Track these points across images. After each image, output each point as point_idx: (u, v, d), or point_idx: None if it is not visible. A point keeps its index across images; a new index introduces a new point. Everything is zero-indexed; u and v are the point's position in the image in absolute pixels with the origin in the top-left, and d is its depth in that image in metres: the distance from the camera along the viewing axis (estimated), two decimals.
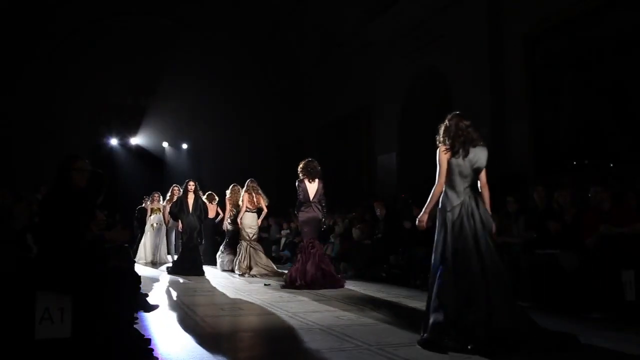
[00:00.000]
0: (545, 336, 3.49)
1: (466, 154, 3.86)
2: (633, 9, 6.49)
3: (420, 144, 10.41)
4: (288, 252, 11.67)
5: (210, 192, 11.27)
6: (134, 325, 3.62)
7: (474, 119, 8.85)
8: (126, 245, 5.14)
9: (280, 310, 5.11)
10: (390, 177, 11.06)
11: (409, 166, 10.60)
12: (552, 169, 7.51)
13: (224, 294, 6.46)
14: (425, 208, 3.98)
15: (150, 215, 11.81)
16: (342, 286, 7.00)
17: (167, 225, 11.26)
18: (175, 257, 10.65)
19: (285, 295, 6.26)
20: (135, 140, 16.56)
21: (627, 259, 4.81)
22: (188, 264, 8.80)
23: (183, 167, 15.79)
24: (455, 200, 3.85)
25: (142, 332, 3.65)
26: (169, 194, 10.72)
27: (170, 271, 8.94)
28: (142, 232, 12.05)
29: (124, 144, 16.64)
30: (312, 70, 15.04)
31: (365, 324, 4.44)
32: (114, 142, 16.54)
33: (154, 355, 3.28)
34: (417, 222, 3.93)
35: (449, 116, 4.07)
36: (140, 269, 8.96)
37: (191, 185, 9.31)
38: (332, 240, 9.55)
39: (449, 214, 3.83)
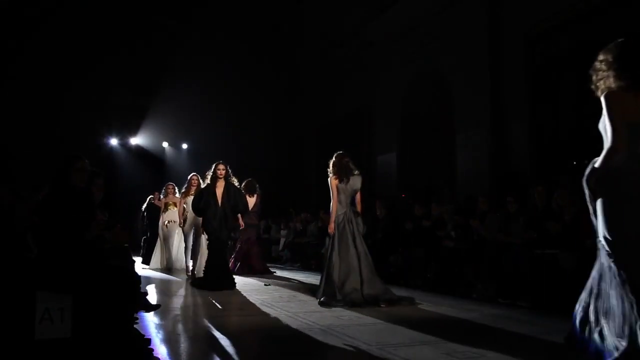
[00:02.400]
0: (394, 297, 5.47)
1: (347, 181, 5.83)
2: (633, 9, 6.49)
3: (420, 144, 10.44)
4: (288, 252, 11.67)
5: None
6: (134, 325, 3.62)
7: (474, 119, 8.92)
8: (126, 245, 5.14)
9: (280, 310, 5.11)
10: (390, 177, 11.06)
11: (409, 166, 10.61)
12: (552, 169, 7.52)
13: (224, 294, 6.45)
14: (330, 218, 5.86)
15: (164, 212, 9.88)
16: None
17: (182, 227, 8.75)
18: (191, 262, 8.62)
19: (285, 295, 6.26)
20: (135, 140, 16.56)
21: None
22: (213, 276, 6.85)
23: (183, 167, 15.79)
24: (341, 211, 5.80)
25: (142, 332, 3.65)
26: (185, 186, 8.66)
27: (194, 283, 7.32)
28: (152, 232, 10.48)
29: (124, 144, 16.63)
30: (312, 70, 15.04)
31: (365, 324, 4.44)
32: (114, 142, 16.54)
33: (154, 355, 3.27)
34: (328, 229, 5.65)
35: (336, 155, 6.00)
36: (143, 270, 8.90)
37: (221, 170, 7.10)
38: None
39: (336, 220, 5.77)
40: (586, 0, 7.07)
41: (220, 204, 6.97)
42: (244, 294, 6.37)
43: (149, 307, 4.89)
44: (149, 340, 3.41)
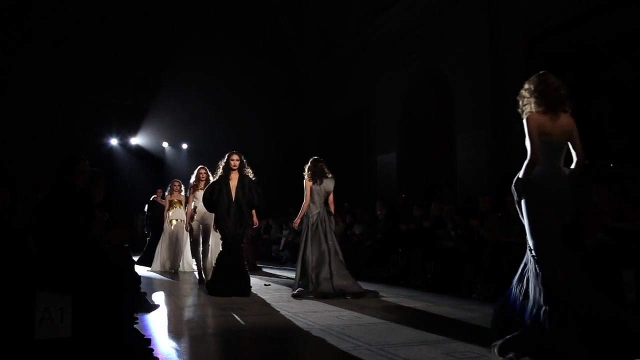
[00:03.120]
0: (360, 290, 6.04)
1: (321, 183, 6.39)
2: (633, 9, 6.50)
3: (420, 144, 10.44)
4: (288, 252, 11.67)
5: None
6: (134, 325, 3.62)
7: (474, 119, 8.92)
8: (126, 245, 5.15)
9: (280, 310, 5.11)
10: (390, 177, 11.06)
11: (409, 166, 10.61)
12: None
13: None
14: (299, 215, 6.43)
15: (169, 210, 9.26)
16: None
17: (187, 229, 8.03)
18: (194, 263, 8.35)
19: (285, 295, 6.25)
20: (135, 140, 16.57)
21: (627, 259, 4.81)
22: (225, 280, 6.09)
23: (183, 167, 15.80)
24: (315, 211, 6.35)
25: (142, 332, 3.65)
26: (192, 179, 7.73)
27: (209, 289, 6.33)
28: (156, 233, 9.82)
29: (124, 144, 16.64)
30: (312, 70, 15.05)
31: (365, 324, 4.44)
32: (114, 142, 16.54)
33: (154, 355, 3.27)
34: (293, 223, 6.04)
35: (311, 159, 6.50)
36: (143, 270, 8.87)
37: (235, 160, 6.39)
38: None
39: (310, 219, 6.32)
40: (586, 0, 7.06)
41: (234, 198, 6.29)
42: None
43: (149, 307, 4.90)
44: (149, 340, 3.41)
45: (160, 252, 9.29)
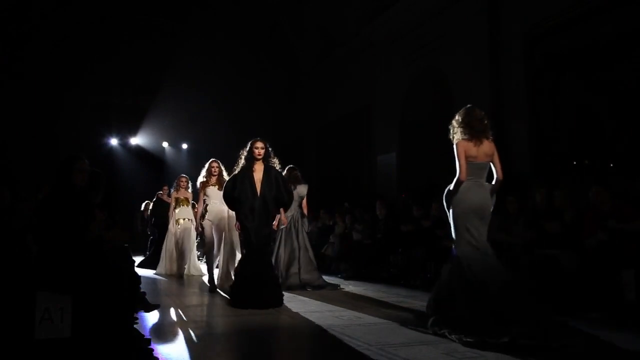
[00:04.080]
0: (322, 283, 6.83)
1: (295, 188, 6.83)
2: (633, 9, 6.49)
3: (420, 144, 10.42)
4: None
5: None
6: (134, 325, 3.62)
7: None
8: (126, 245, 5.15)
9: (281, 310, 5.11)
10: (390, 177, 11.06)
11: (409, 166, 10.60)
12: (552, 169, 7.52)
13: (224, 294, 6.45)
14: (276, 217, 6.32)
15: (175, 209, 8.63)
16: None
17: (198, 230, 7.48)
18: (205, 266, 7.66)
19: (286, 295, 6.25)
20: (135, 140, 16.58)
21: (627, 259, 4.81)
22: (251, 290, 5.24)
23: (183, 167, 15.80)
24: (290, 213, 6.81)
25: (142, 332, 3.65)
26: (202, 174, 6.98)
27: (232, 300, 5.39)
28: (161, 233, 9.17)
29: (124, 144, 16.64)
30: (312, 70, 15.04)
31: (365, 324, 4.44)
32: (114, 142, 16.55)
33: (154, 355, 3.27)
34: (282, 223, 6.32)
35: (287, 168, 6.94)
36: (145, 271, 8.84)
37: (259, 149, 5.65)
38: (332, 240, 9.55)
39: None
40: (586, 0, 7.06)
41: (259, 192, 5.50)
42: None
43: (149, 307, 4.89)
44: (149, 340, 3.41)
45: (166, 254, 8.65)
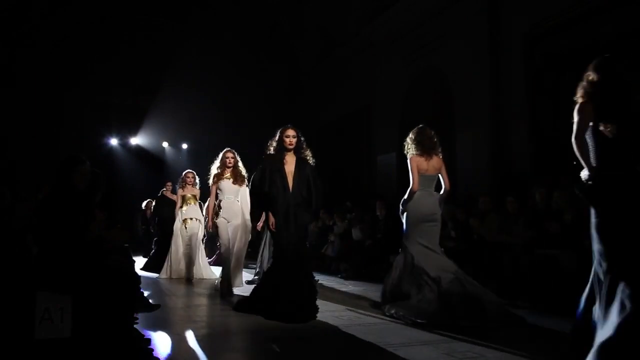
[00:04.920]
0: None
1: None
2: (633, 9, 6.49)
3: None
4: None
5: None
6: (134, 325, 3.62)
7: (474, 119, 8.94)
8: (126, 245, 5.15)
9: None
10: (390, 177, 11.06)
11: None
12: (552, 169, 7.51)
13: (229, 298, 6.45)
14: (261, 219, 6.85)
15: (182, 207, 7.95)
16: None
17: (208, 229, 6.95)
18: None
19: None
20: (135, 140, 16.58)
21: None
22: (280, 299, 4.54)
23: (183, 167, 15.78)
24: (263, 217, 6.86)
25: (142, 332, 3.65)
26: (214, 165, 6.31)
27: (240, 306, 4.98)
28: (165, 233, 8.40)
29: (124, 144, 16.64)
30: (312, 70, 15.04)
31: (365, 324, 4.44)
32: (114, 142, 16.55)
33: (154, 355, 3.27)
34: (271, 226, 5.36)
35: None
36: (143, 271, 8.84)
37: (291, 138, 4.97)
38: (332, 240, 9.56)
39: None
40: (586, 0, 7.06)
41: (290, 188, 4.81)
42: (245, 294, 6.36)
43: (149, 307, 4.89)
44: (149, 340, 3.41)
45: (171, 257, 7.91)
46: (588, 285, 2.93)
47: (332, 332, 4.08)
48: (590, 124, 2.86)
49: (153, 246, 9.56)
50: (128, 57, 14.92)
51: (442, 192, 5.06)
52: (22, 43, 13.69)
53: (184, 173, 8.20)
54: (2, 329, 2.86)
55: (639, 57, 6.49)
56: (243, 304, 4.98)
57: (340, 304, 5.51)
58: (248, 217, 6.40)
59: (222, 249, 6.24)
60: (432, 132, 5.06)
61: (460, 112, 9.12)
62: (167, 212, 8.65)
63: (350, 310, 5.15)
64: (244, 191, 6.22)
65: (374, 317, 4.79)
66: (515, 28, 8.14)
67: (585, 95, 2.93)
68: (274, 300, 4.53)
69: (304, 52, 15.10)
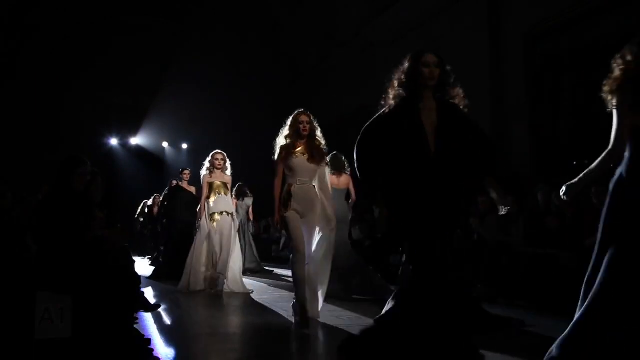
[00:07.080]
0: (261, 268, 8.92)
1: (243, 200, 9.05)
2: (633, 9, 6.50)
3: None
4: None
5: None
6: (134, 325, 3.62)
7: (474, 119, 8.92)
8: (126, 245, 5.15)
9: (280, 310, 5.11)
10: None
11: None
12: (552, 169, 7.52)
13: (224, 294, 6.45)
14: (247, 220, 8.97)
15: (209, 198, 6.23)
16: None
17: (279, 225, 4.61)
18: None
19: (286, 295, 6.25)
20: (135, 140, 16.58)
21: None
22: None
23: (183, 167, 15.77)
24: (238, 219, 7.56)
25: (142, 332, 3.65)
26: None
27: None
28: (180, 234, 7.26)
29: (124, 144, 16.65)
30: (312, 70, 15.04)
31: (365, 324, 4.43)
32: (114, 142, 16.55)
33: (154, 355, 3.27)
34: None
35: (237, 185, 8.47)
36: (143, 270, 8.78)
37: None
38: None
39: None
40: (586, 0, 7.06)
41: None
42: (245, 294, 6.36)
43: (149, 307, 4.89)
44: (149, 340, 3.41)
45: (193, 263, 6.23)
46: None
47: (332, 332, 4.08)
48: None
49: (161, 248, 8.32)
50: (128, 56, 14.93)
51: (350, 201, 6.82)
52: (22, 43, 13.70)
53: (211, 154, 6.39)
54: (2, 329, 2.86)
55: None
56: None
57: (340, 304, 5.50)
58: (331, 211, 4.51)
59: (297, 253, 4.27)
60: (342, 157, 6.90)
61: None
62: (183, 207, 7.32)
63: (350, 310, 5.15)
64: (323, 172, 4.67)
65: (374, 317, 4.78)
66: (515, 28, 8.14)
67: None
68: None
69: (304, 52, 15.10)
